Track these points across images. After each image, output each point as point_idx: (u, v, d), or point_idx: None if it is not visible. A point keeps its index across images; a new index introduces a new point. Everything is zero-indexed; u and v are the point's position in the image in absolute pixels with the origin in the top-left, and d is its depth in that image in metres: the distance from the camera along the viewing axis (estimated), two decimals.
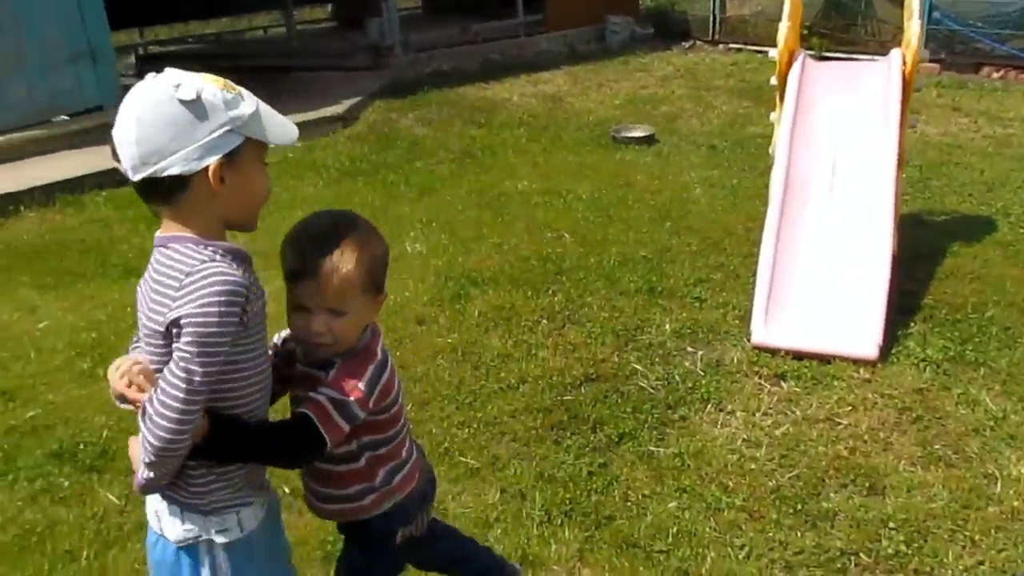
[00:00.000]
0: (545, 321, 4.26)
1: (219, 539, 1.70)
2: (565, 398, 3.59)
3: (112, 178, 6.65)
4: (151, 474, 1.60)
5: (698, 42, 11.96)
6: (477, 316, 4.33)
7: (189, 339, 1.52)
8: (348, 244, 1.71)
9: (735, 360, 3.82)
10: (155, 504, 1.73)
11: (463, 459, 3.21)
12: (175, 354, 1.53)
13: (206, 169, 1.54)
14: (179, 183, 1.54)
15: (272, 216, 5.88)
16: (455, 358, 3.94)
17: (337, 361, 1.76)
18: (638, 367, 3.80)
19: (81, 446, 3.36)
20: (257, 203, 1.68)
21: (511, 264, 4.96)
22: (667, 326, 4.14)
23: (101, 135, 7.40)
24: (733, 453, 3.21)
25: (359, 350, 1.79)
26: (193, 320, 1.51)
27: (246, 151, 1.59)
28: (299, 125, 6.41)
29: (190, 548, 1.71)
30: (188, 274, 1.54)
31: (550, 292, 4.56)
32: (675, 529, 2.83)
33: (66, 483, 3.17)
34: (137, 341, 1.72)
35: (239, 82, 1.61)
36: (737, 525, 2.86)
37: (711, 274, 4.69)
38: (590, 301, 4.44)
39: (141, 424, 1.56)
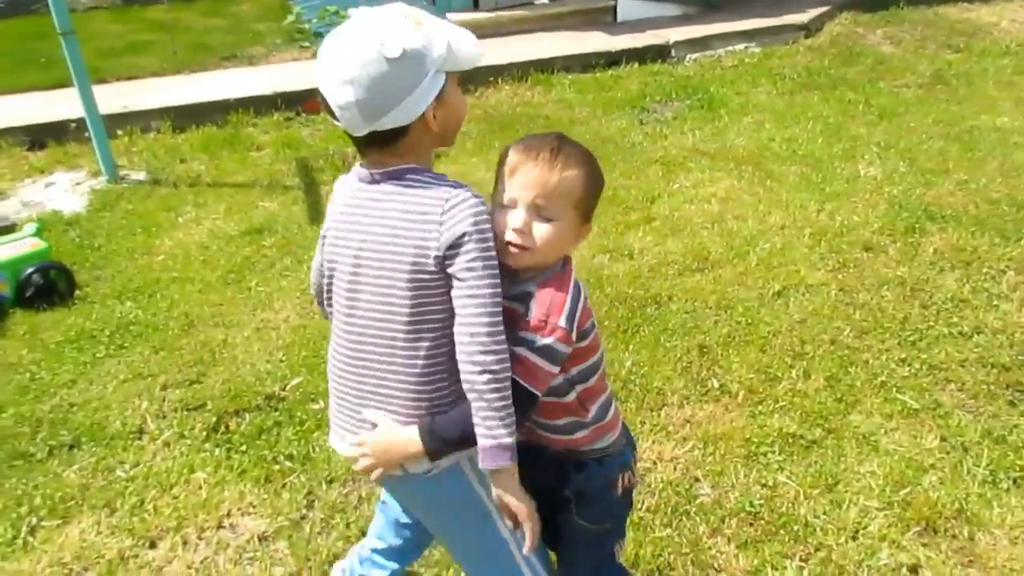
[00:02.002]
0: (1012, 272, 3.82)
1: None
2: None
3: (578, 63, 7.10)
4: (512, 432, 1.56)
5: None
6: (932, 253, 4.00)
7: (476, 250, 1.54)
8: (576, 154, 1.65)
9: None
10: None
11: (900, 396, 3.05)
12: (463, 276, 1.55)
13: (423, 114, 1.59)
14: (400, 131, 1.59)
15: (722, 119, 5.92)
16: (902, 292, 3.70)
17: (535, 291, 1.64)
18: None
19: None
20: (460, 123, 1.70)
21: (977, 205, 4.48)
22: None
23: (573, 21, 7.92)
24: None
25: (553, 275, 1.66)
26: (475, 232, 1.55)
27: (448, 83, 1.61)
28: (759, 31, 6.32)
29: (454, 469, 1.70)
30: (447, 199, 1.57)
31: (1022, 242, 4.06)
32: None
33: None
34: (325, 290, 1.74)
35: None
36: None
37: None
38: None
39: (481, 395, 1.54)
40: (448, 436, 1.62)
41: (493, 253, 1.57)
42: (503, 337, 1.54)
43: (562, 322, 1.60)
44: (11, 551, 2.59)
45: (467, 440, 1.58)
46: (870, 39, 7.73)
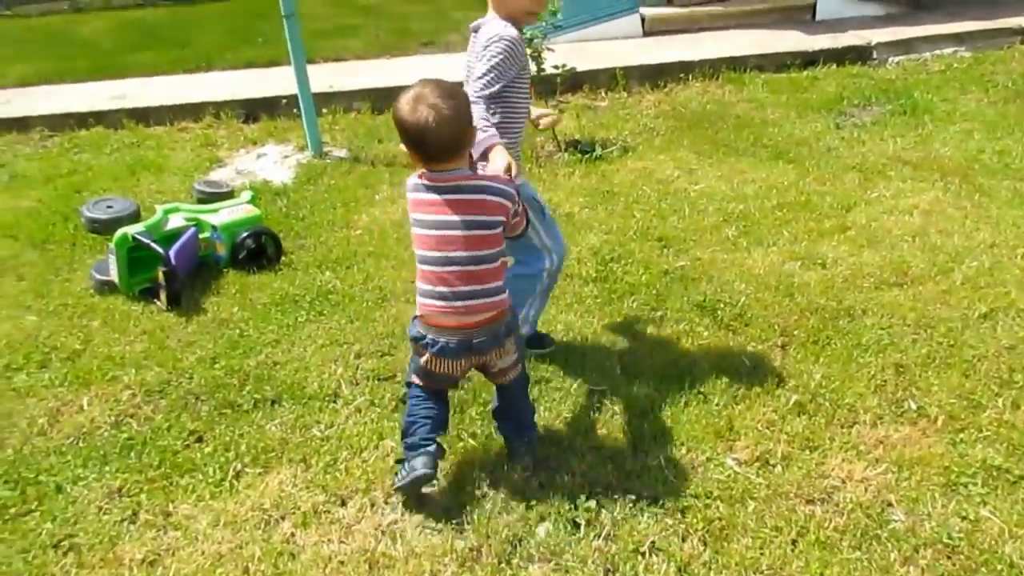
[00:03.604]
0: None
1: None
2: None
3: (772, 62, 6.90)
4: None
5: None
6: None
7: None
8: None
9: None
10: None
11: None
12: None
13: None
14: None
15: (926, 127, 5.61)
16: None
17: None
18: None
19: (721, 304, 3.68)
20: (523, 11, 2.96)
21: None
22: None
23: (770, 19, 7.70)
24: None
25: None
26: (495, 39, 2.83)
27: None
28: (970, 35, 6.04)
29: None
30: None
31: None
32: None
33: (704, 332, 3.51)
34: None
35: None
36: None
37: None
38: None
39: None
40: None
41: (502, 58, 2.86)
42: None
43: None
44: (219, 491, 2.80)
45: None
46: None
